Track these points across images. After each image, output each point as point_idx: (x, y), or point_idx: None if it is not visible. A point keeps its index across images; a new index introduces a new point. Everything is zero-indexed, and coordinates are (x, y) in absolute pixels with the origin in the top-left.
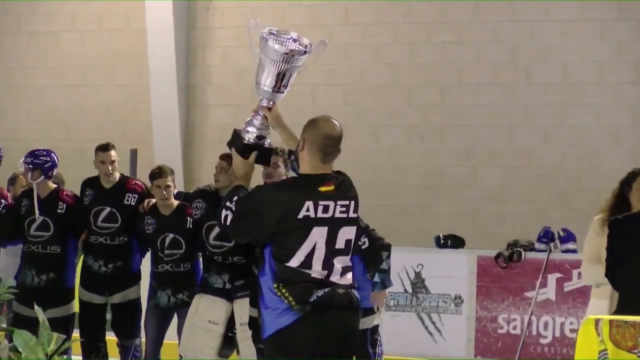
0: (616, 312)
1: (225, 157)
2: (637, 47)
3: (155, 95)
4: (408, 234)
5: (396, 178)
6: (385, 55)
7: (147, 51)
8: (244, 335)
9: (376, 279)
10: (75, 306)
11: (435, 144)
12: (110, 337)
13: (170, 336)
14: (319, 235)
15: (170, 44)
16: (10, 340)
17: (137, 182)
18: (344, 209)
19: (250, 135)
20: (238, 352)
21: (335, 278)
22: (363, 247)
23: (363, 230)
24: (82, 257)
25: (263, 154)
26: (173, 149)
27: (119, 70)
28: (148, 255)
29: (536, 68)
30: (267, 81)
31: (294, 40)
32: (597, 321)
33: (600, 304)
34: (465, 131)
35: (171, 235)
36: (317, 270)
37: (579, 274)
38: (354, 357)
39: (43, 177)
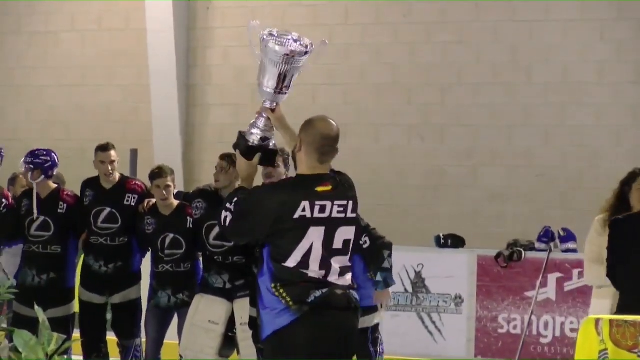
0: (616, 312)
1: (225, 157)
2: (637, 47)
3: (155, 95)
4: (408, 233)
5: (396, 178)
6: (385, 55)
7: (147, 51)
8: (244, 335)
9: (378, 278)
10: (76, 306)
11: (436, 144)
12: (111, 337)
13: (171, 336)
14: (315, 235)
15: (170, 44)
16: (11, 340)
17: (137, 182)
18: (341, 209)
19: (254, 137)
20: (238, 352)
21: (333, 278)
22: (364, 246)
23: (364, 230)
24: (82, 257)
25: (267, 155)
26: (173, 149)
27: (119, 70)
28: (148, 255)
29: (536, 68)
30: (269, 83)
31: (295, 41)
32: (597, 321)
33: (603, 304)
34: (466, 131)
35: (171, 235)
36: (314, 270)
37: (580, 273)
38: (355, 357)
39: (43, 176)
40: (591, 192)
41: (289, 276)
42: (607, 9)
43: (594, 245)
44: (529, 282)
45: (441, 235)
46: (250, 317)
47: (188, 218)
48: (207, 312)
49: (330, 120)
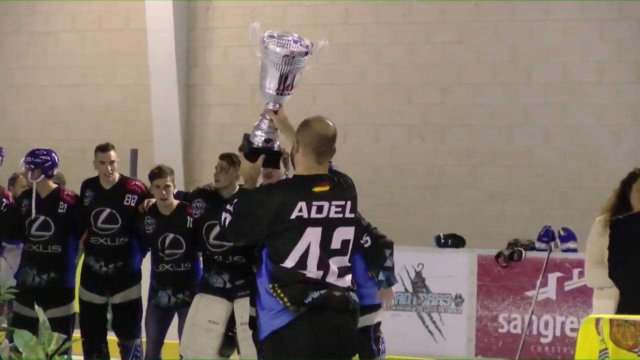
0: (617, 312)
1: (225, 157)
2: (637, 47)
3: (155, 95)
4: (408, 233)
5: (396, 178)
6: (385, 55)
7: (148, 51)
8: (244, 334)
9: (381, 277)
10: (76, 306)
11: (436, 144)
12: (111, 337)
13: (171, 336)
14: (312, 235)
15: (170, 44)
16: (11, 340)
17: (136, 182)
18: (339, 209)
19: (258, 139)
20: (239, 352)
21: (332, 279)
22: (365, 245)
23: (365, 229)
24: (82, 257)
25: (271, 157)
26: (173, 149)
27: (119, 70)
28: (148, 255)
29: (536, 68)
30: (271, 84)
31: (295, 42)
32: (597, 320)
33: (606, 304)
34: (466, 131)
35: (171, 235)
36: (312, 271)
37: (580, 273)
38: (357, 356)
39: (43, 176)
40: (591, 192)
41: (287, 277)
42: (607, 9)
43: (595, 246)
44: (529, 282)
45: (441, 235)
46: (251, 317)
47: (188, 218)
48: (207, 311)
49: (327, 121)
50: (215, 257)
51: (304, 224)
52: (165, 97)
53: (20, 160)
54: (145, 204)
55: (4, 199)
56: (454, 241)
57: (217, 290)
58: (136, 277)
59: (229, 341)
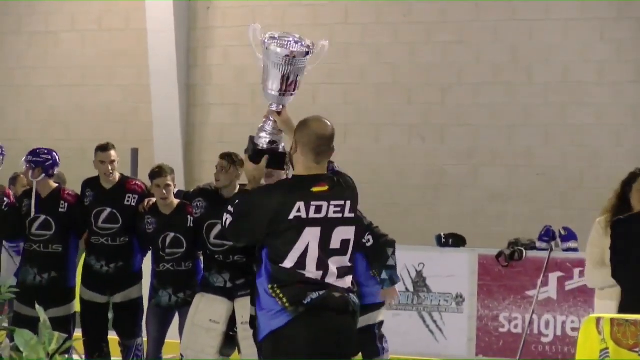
0: (619, 311)
1: (226, 157)
2: (637, 47)
3: (155, 95)
4: (409, 233)
5: (397, 178)
6: (385, 55)
7: (148, 51)
8: (245, 334)
9: (384, 275)
10: (76, 306)
11: (436, 144)
12: (112, 337)
13: (172, 335)
14: (311, 235)
15: (170, 44)
16: (12, 339)
17: (137, 182)
18: (338, 209)
19: (262, 141)
20: (239, 351)
21: (331, 280)
22: (367, 244)
23: (367, 228)
24: (83, 256)
25: (276, 158)
26: (174, 149)
27: (119, 70)
28: (149, 254)
29: (536, 68)
30: (273, 85)
31: (296, 42)
32: (598, 320)
33: (607, 305)
34: (466, 131)
35: (172, 234)
36: (311, 271)
37: (580, 272)
38: (362, 354)
39: (44, 175)
40: (591, 192)
41: (286, 277)
42: (607, 9)
43: (595, 247)
44: (530, 281)
45: (442, 234)
46: (251, 316)
47: (188, 217)
48: (208, 311)
49: (325, 120)
50: (216, 257)
51: (302, 224)
52: (166, 97)
53: (20, 160)
54: (146, 204)
55: (5, 199)
56: (455, 241)
57: (218, 289)
58: (137, 277)
59: (230, 341)
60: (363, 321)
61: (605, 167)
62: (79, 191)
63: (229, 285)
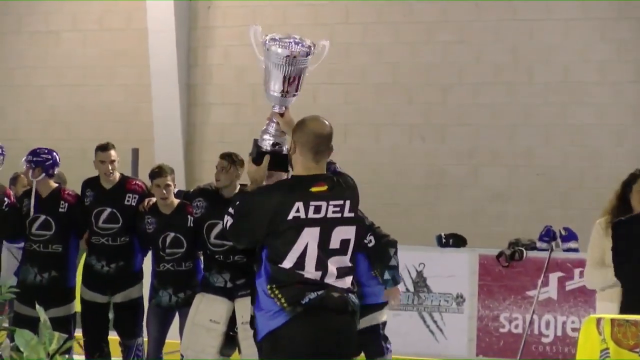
0: (620, 312)
1: (226, 157)
2: (638, 47)
3: (156, 94)
4: (409, 233)
5: (397, 178)
6: (386, 54)
7: (149, 51)
8: (245, 334)
9: (386, 276)
10: (77, 305)
11: (437, 144)
12: (113, 337)
13: (173, 335)
14: (310, 235)
15: (171, 44)
16: (12, 339)
17: (137, 182)
18: (337, 208)
19: (266, 143)
20: (240, 351)
21: (330, 280)
22: (369, 245)
23: (368, 228)
24: (83, 256)
25: (280, 160)
26: (174, 149)
27: (120, 70)
28: (150, 254)
29: (537, 68)
30: (275, 86)
31: (296, 43)
32: (598, 320)
33: (608, 306)
34: (467, 131)
35: (172, 234)
36: (310, 272)
37: (581, 272)
38: (366, 354)
39: (44, 174)
40: (592, 192)
41: (285, 277)
42: (607, 9)
43: (596, 248)
44: (530, 282)
45: (443, 234)
46: (251, 316)
47: (189, 217)
48: (208, 311)
49: (323, 119)
50: (216, 257)
51: (301, 224)
52: (166, 96)
53: (20, 160)
54: (146, 203)
55: (5, 198)
56: (455, 241)
57: (218, 289)
58: (137, 277)
59: (230, 341)
60: (367, 321)
61: (605, 167)
62: (79, 191)
63: (229, 285)
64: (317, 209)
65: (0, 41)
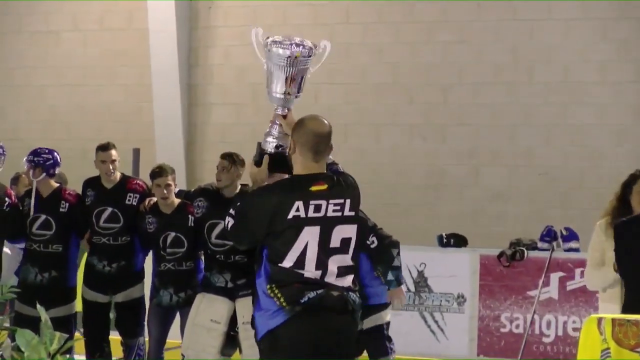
0: (622, 311)
1: (227, 156)
2: (638, 47)
3: (157, 94)
4: (409, 233)
5: (398, 178)
6: (386, 54)
7: (150, 51)
8: (246, 334)
9: (390, 277)
10: (78, 305)
11: (437, 144)
12: (114, 337)
13: (174, 335)
14: (310, 235)
15: (172, 44)
16: (13, 339)
17: (138, 181)
18: (337, 207)
19: (269, 146)
20: (240, 351)
21: (331, 279)
22: (372, 246)
23: (371, 230)
24: (84, 256)
25: (283, 162)
26: (175, 149)
27: (120, 70)
28: (151, 254)
29: (538, 67)
30: (277, 87)
31: (297, 45)
32: (599, 320)
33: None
34: (467, 131)
35: (173, 234)
36: (310, 271)
37: (582, 272)
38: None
39: (44, 174)
40: (592, 192)
41: (285, 277)
42: (608, 9)
43: (596, 250)
44: (531, 282)
45: (444, 234)
46: (252, 316)
47: (189, 216)
48: (209, 311)
49: (321, 118)
50: (217, 256)
51: (301, 223)
52: (167, 96)
53: (21, 160)
54: (147, 203)
55: (6, 198)
56: (456, 241)
57: (219, 289)
58: (139, 276)
59: (231, 341)
60: (371, 321)
61: (606, 167)
62: (79, 191)
63: (230, 285)
64: (317, 208)
65: (1, 41)
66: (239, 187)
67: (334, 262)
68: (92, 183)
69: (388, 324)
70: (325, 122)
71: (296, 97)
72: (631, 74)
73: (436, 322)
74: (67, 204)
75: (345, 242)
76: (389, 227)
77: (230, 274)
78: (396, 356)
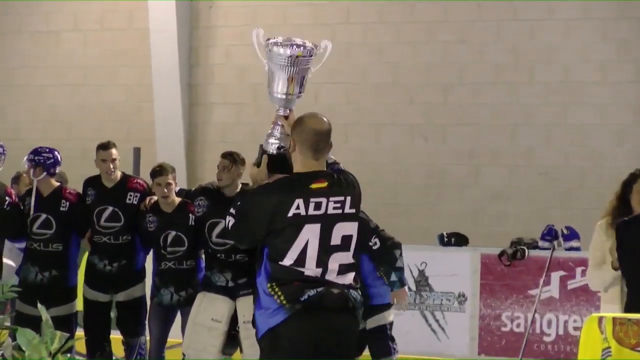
0: (624, 311)
1: (228, 156)
2: (638, 47)
3: (158, 94)
4: (410, 233)
5: (398, 177)
6: (387, 54)
7: (150, 50)
8: (246, 333)
9: (393, 277)
10: (79, 304)
11: (437, 144)
12: (115, 336)
13: (175, 334)
14: (311, 232)
15: (173, 43)
16: (14, 338)
17: (138, 180)
18: (338, 205)
19: (271, 147)
20: (241, 350)
21: (331, 277)
22: (374, 247)
23: (373, 231)
24: (85, 255)
25: (285, 163)
26: (176, 148)
27: (121, 69)
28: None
29: (538, 67)
30: (279, 88)
31: (298, 46)
32: (600, 319)
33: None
34: (468, 131)
35: (173, 233)
36: (310, 269)
37: (583, 272)
38: (373, 354)
39: (45, 173)
40: (593, 192)
41: (285, 275)
42: (609, 8)
43: (597, 250)
44: (532, 281)
45: (444, 233)
46: (253, 315)
47: (190, 215)
48: (210, 310)
49: (321, 116)
50: (218, 255)
51: (301, 221)
52: (168, 96)
53: (21, 160)
54: (147, 202)
55: (7, 198)
56: (457, 240)
57: (220, 288)
58: (140, 275)
59: (232, 340)
60: (374, 321)
61: (606, 167)
62: (80, 191)
63: (230, 284)
64: (318, 206)
65: (1, 41)
66: (240, 186)
67: (335, 260)
68: (92, 182)
69: (391, 324)
70: (325, 119)
71: (297, 97)
72: (631, 74)
73: (437, 321)
74: (68, 203)
75: (346, 239)
76: (390, 227)
77: (231, 273)
78: (397, 356)
